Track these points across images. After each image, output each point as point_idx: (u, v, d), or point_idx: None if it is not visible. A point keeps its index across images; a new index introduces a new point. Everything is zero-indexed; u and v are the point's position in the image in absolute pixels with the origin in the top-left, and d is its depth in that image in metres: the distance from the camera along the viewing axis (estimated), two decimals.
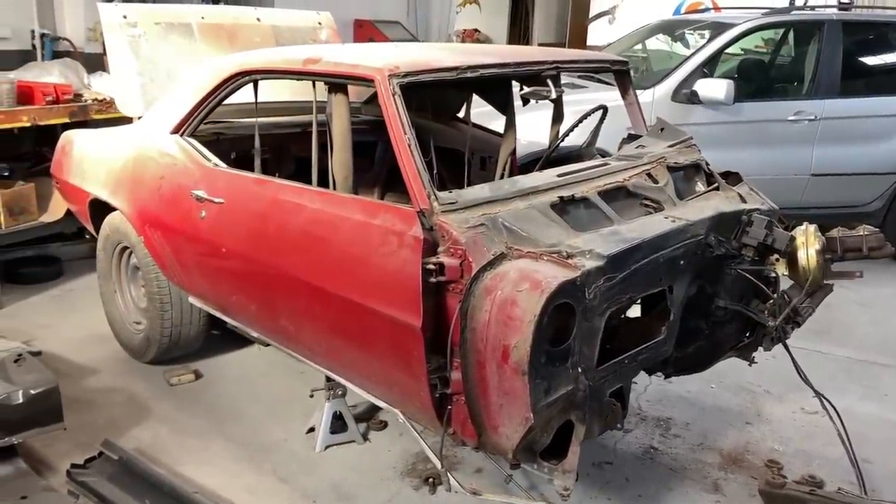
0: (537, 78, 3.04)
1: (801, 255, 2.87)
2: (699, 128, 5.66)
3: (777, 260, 2.96)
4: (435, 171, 3.47)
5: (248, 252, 3.02)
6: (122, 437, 3.38)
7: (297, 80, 3.15)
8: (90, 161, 4.08)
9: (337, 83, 2.91)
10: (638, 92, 5.67)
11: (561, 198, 2.57)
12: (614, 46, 7.24)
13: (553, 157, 3.37)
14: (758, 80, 6.50)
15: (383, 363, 2.61)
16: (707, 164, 3.11)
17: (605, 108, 3.34)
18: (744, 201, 2.95)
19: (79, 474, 3.03)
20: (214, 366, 4.06)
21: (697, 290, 2.84)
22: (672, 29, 7.17)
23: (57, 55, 6.14)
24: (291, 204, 2.84)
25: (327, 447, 3.35)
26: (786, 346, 3.02)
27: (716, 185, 3.00)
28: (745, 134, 5.77)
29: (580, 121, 3.23)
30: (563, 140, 3.31)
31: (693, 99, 5.64)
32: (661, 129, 3.21)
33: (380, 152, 4.66)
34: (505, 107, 3.24)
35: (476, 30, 15.43)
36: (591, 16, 14.80)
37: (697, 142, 5.58)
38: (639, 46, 7.13)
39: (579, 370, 2.29)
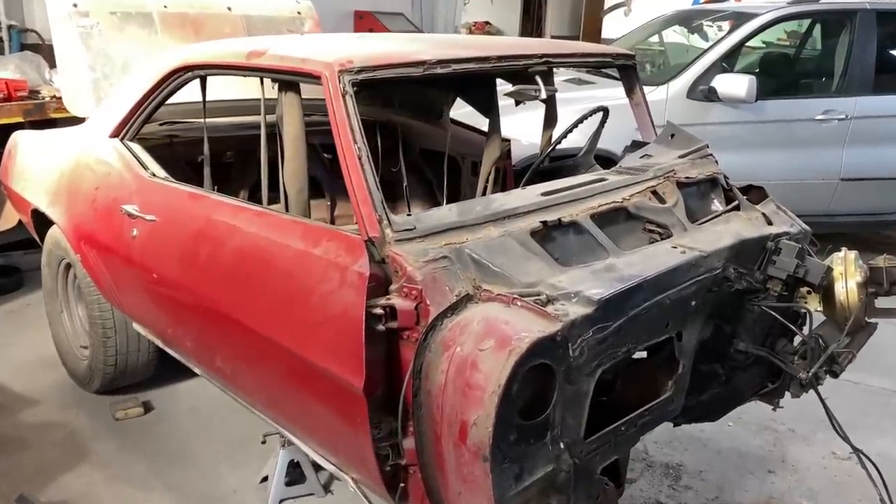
0: (524, 75, 2.56)
1: (840, 289, 2.38)
2: (718, 128, 5.19)
3: (809, 293, 2.47)
4: (405, 184, 2.99)
5: (180, 280, 2.57)
6: (50, 486, 2.96)
7: (244, 76, 2.70)
8: (30, 167, 3.65)
9: (285, 80, 2.44)
10: (650, 89, 5.27)
11: (544, 223, 2.10)
12: (625, 40, 6.73)
13: (546, 166, 2.89)
14: (782, 75, 5.98)
15: (325, 424, 2.15)
16: (726, 178, 2.62)
17: (605, 110, 2.85)
18: (769, 223, 2.46)
19: None
20: (167, 396, 3.62)
21: (713, 331, 2.36)
22: (689, 20, 6.65)
23: (26, 49, 5.72)
24: (225, 225, 2.39)
25: (282, 501, 2.90)
26: (817, 392, 2.53)
27: (736, 203, 2.51)
28: (769, 134, 5.27)
29: (575, 125, 2.75)
30: (554, 148, 2.83)
31: (711, 96, 5.14)
32: (672, 136, 2.72)
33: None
34: (488, 108, 2.78)
35: (487, 22, 14.93)
36: (605, 8, 14.27)
37: (716, 143, 5.09)
38: (653, 39, 6.62)
39: (561, 446, 1.82)
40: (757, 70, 5.88)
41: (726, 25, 5.92)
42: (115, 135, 3.09)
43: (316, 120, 3.83)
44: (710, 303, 2.21)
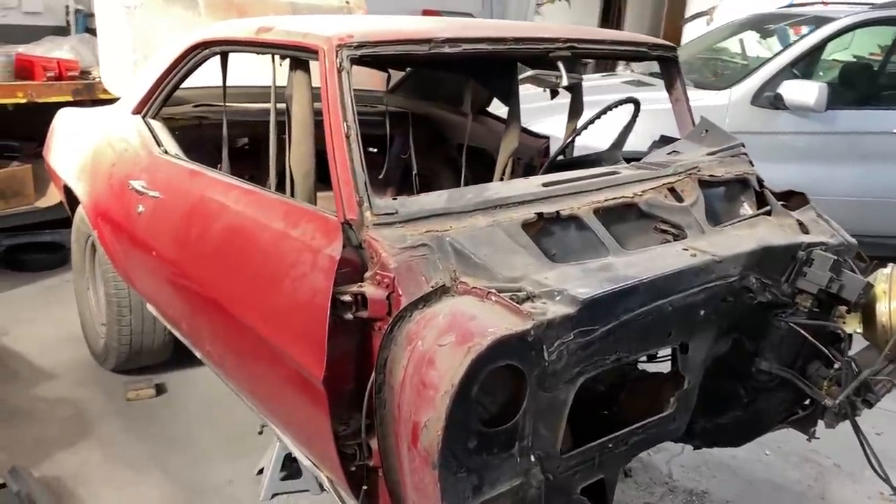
0: (546, 60, 2.38)
1: (881, 309, 2.12)
2: (783, 137, 4.87)
3: (848, 312, 2.21)
4: (414, 172, 2.85)
5: (174, 258, 2.49)
6: (46, 461, 2.93)
7: (256, 53, 2.60)
8: (64, 144, 3.67)
9: (297, 58, 2.33)
10: (711, 93, 5.00)
11: (540, 215, 1.92)
12: (693, 44, 6.44)
13: (568, 159, 2.70)
14: (861, 86, 5.58)
15: (296, 417, 2.03)
16: (759, 180, 2.38)
17: (636, 102, 2.64)
18: (805, 231, 2.22)
19: None
20: (181, 381, 3.57)
21: (732, 346, 2.14)
22: (765, 24, 6.29)
23: (90, 32, 5.83)
24: (216, 203, 2.30)
25: (274, 496, 2.79)
26: (854, 425, 2.27)
27: (767, 208, 2.27)
28: (839, 147, 4.91)
29: (598, 116, 2.54)
30: (574, 138, 2.62)
31: (777, 103, 4.81)
32: (704, 132, 2.49)
33: (395, 149, 4.07)
34: (507, 96, 2.61)
35: None
36: (687, 16, 13.82)
37: (779, 154, 4.84)
38: (724, 45, 6.29)
39: (532, 459, 1.64)
40: (836, 81, 5.51)
41: (805, 30, 5.57)
42: (136, 112, 3.06)
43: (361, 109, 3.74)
44: (726, 314, 1.99)
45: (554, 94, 2.93)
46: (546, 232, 1.94)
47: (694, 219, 2.08)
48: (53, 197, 4.57)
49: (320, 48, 2.08)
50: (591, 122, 2.52)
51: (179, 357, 3.60)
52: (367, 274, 1.79)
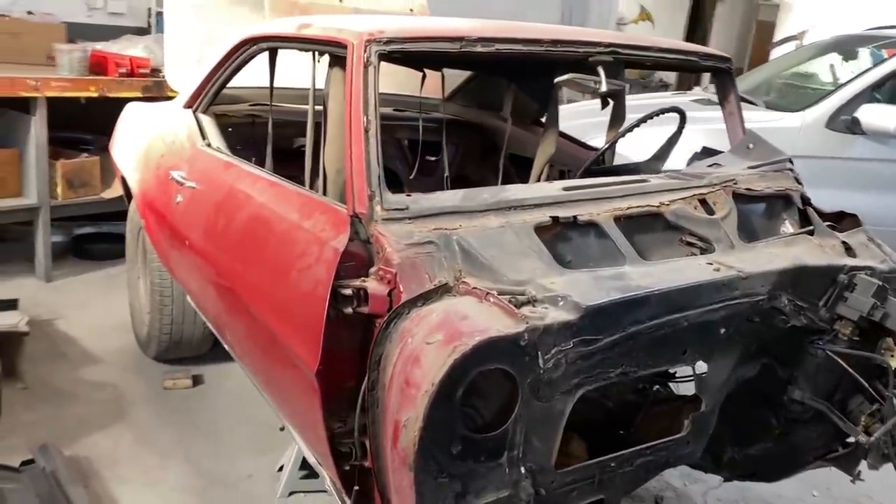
0: (586, 65, 2.31)
1: None
2: (858, 164, 4.62)
3: None
4: (446, 175, 2.80)
5: (203, 248, 2.51)
6: (79, 441, 3.00)
7: (297, 48, 2.62)
8: (124, 136, 3.78)
9: (333, 54, 2.33)
10: (782, 115, 4.79)
11: (555, 219, 1.84)
12: (772, 65, 6.21)
13: (604, 167, 2.60)
14: None
15: (298, 412, 2.00)
16: (804, 197, 2.23)
17: (682, 113, 2.53)
18: (851, 255, 2.06)
19: (4, 478, 2.65)
20: (218, 373, 3.61)
21: (763, 372, 2.00)
22: (849, 46, 6.01)
23: None
24: (243, 194, 2.31)
25: (291, 493, 2.78)
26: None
27: (810, 227, 2.13)
28: None
29: (638, 123, 2.44)
30: (608, 147, 2.53)
31: (854, 128, 4.57)
32: (750, 146, 2.36)
33: (448, 155, 4.04)
34: (545, 101, 2.54)
35: None
36: (775, 40, 13.40)
37: (854, 181, 4.59)
38: (804, 67, 6.04)
39: (522, 470, 1.56)
40: None
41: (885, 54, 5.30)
42: (188, 106, 3.13)
43: (405, 115, 3.74)
44: (754, 336, 1.87)
45: (604, 103, 2.85)
46: (563, 237, 1.86)
47: (724, 233, 1.97)
48: (118, 188, 4.72)
49: (349, 42, 2.07)
50: (630, 129, 2.43)
51: (219, 351, 3.63)
52: (372, 269, 1.75)
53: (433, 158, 4.03)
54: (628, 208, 1.93)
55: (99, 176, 4.66)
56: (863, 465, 2.30)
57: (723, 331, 1.76)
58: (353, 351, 1.75)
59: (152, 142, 3.28)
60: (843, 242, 2.09)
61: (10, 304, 3.78)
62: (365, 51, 2.01)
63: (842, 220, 2.31)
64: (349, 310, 1.71)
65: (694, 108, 5.09)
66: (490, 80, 3.75)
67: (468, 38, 2.12)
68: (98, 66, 4.55)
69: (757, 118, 4.80)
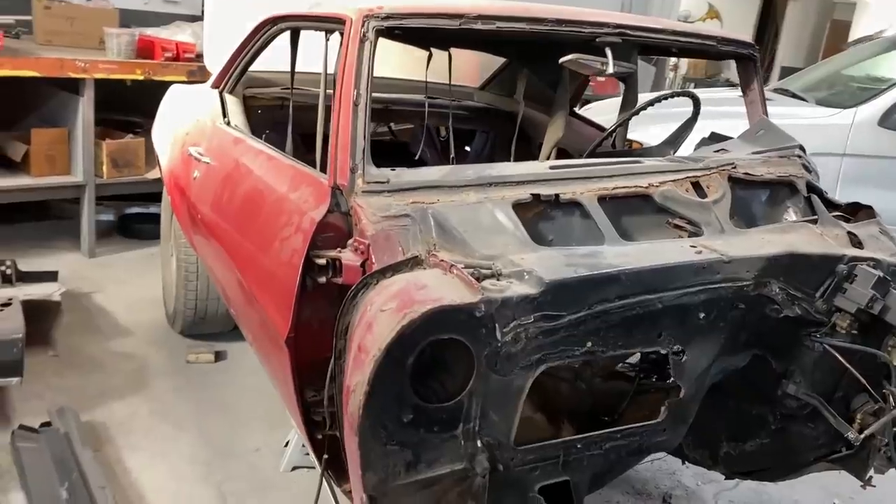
0: (593, 46, 2.27)
1: None
2: None
3: None
4: (452, 156, 2.78)
5: (211, 221, 2.57)
6: (100, 408, 3.11)
7: (311, 27, 2.65)
8: (162, 116, 3.89)
9: (340, 31, 2.35)
10: (833, 111, 4.61)
11: (536, 196, 1.82)
12: (831, 63, 5.99)
13: (612, 151, 2.54)
14: None
15: (279, 382, 2.03)
16: (811, 185, 2.14)
17: (695, 98, 2.45)
18: (858, 246, 1.97)
19: (23, 437, 2.76)
20: (240, 350, 3.67)
21: (757, 364, 1.93)
22: None
23: None
24: (245, 168, 2.35)
25: (294, 468, 2.82)
26: None
27: (814, 217, 2.04)
28: None
29: (649, 104, 2.38)
30: (618, 127, 2.46)
31: None
32: (760, 132, 2.27)
33: (477, 145, 4.03)
34: (555, 83, 2.49)
35: None
36: (851, 39, 12.90)
37: None
38: (864, 64, 5.80)
39: (478, 444, 1.55)
40: None
41: None
42: (215, 86, 3.20)
43: (437, 102, 3.74)
44: (742, 325, 1.80)
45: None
46: (545, 216, 1.84)
47: (714, 216, 1.90)
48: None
49: (348, 18, 2.08)
50: (636, 112, 2.37)
51: None
52: (350, 241, 1.76)
53: (467, 148, 4.03)
54: (614, 188, 1.88)
55: (143, 156, 4.80)
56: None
57: (702, 315, 1.70)
58: (329, 322, 1.76)
59: (181, 121, 3.37)
60: (850, 233, 1.99)
61: (51, 276, 3.94)
62: (362, 25, 2.02)
63: (857, 213, 2.21)
64: (323, 279, 1.72)
65: (737, 102, 4.95)
66: (518, 70, 3.72)
67: (468, 16, 2.10)
68: (145, 50, 4.69)
69: (806, 114, 4.64)
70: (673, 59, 11.72)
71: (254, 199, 2.19)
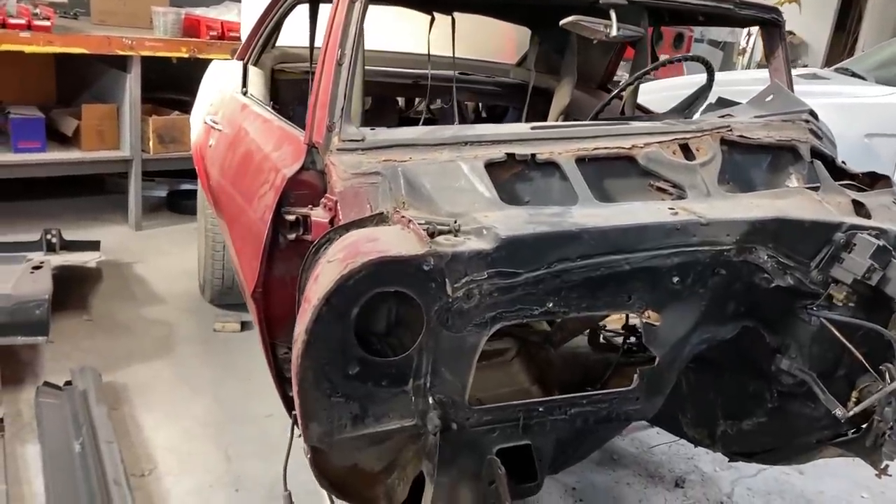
0: (598, 9, 2.19)
1: None
2: None
3: None
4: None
5: (219, 186, 2.61)
6: (122, 369, 3.21)
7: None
8: (199, 92, 3.97)
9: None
10: (893, 89, 4.36)
11: (511, 156, 1.77)
12: None
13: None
14: None
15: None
16: (818, 151, 2.01)
17: (707, 64, 2.33)
18: (865, 216, 1.85)
19: (46, 393, 2.88)
20: None
21: (749, 337, 1.84)
22: None
23: None
24: (244, 132, 2.38)
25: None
26: None
27: (816, 185, 1.92)
28: None
29: (649, 71, 2.28)
30: (624, 89, 2.36)
31: None
32: (769, 97, 2.15)
33: (512, 120, 3.97)
34: (561, 49, 2.41)
35: (790, 32, 13.56)
36: None
37: None
38: None
39: (431, 401, 1.52)
40: None
41: None
42: (239, 58, 3.25)
43: (472, 79, 3.71)
44: (727, 293, 1.72)
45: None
46: (523, 177, 1.79)
47: (700, 179, 1.81)
48: None
49: None
50: (640, 77, 2.28)
51: None
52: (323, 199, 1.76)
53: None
54: (594, 149, 1.81)
55: (188, 133, 4.90)
56: None
57: (676, 280, 1.63)
58: (295, 275, 1.76)
59: (209, 94, 3.43)
60: (856, 201, 1.87)
61: (93, 245, 4.09)
62: None
63: (876, 183, 2.08)
64: (293, 236, 1.72)
65: (797, 82, 4.75)
66: (556, 44, 3.65)
67: None
68: (191, 28, 4.80)
69: (861, 93, 4.42)
70: (742, 43, 11.32)
71: (245, 161, 2.21)
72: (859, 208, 1.87)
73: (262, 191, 1.88)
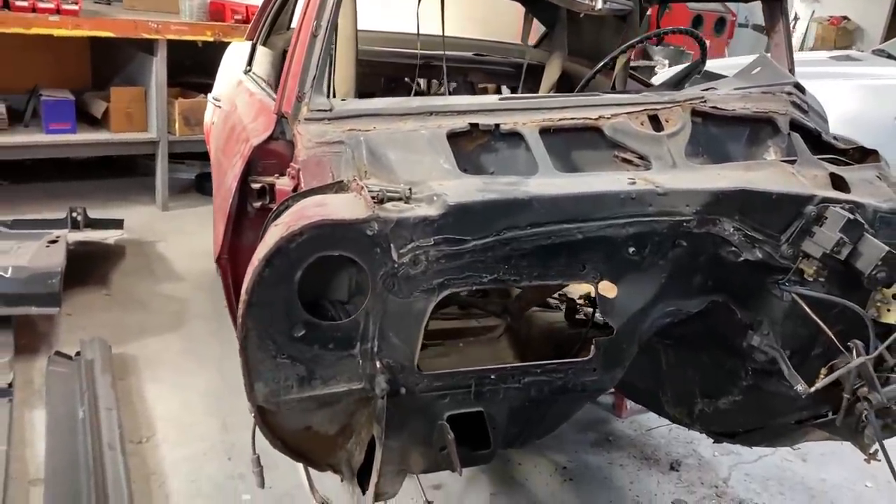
0: None
1: None
2: None
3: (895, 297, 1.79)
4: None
5: (215, 161, 2.66)
6: (134, 342, 3.31)
7: None
8: (217, 73, 4.05)
9: None
10: None
11: (474, 125, 1.77)
12: None
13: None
14: None
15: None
16: (798, 123, 1.96)
17: (700, 39, 2.29)
18: (842, 189, 1.79)
19: (56, 363, 2.98)
20: None
21: (718, 312, 1.80)
22: None
23: None
24: (235, 106, 2.42)
25: None
26: (882, 447, 1.84)
27: (795, 157, 1.87)
28: None
29: (633, 44, 2.25)
30: (608, 62, 2.33)
31: None
32: (756, 70, 2.10)
33: None
34: (552, 23, 2.38)
35: (845, 17, 13.15)
36: None
37: None
38: None
39: (378, 365, 1.54)
40: None
41: None
42: (248, 38, 3.30)
43: (488, 59, 3.71)
44: (688, 265, 1.69)
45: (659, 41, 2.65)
46: (487, 148, 1.79)
47: (666, 150, 1.78)
48: None
49: None
50: (623, 51, 2.25)
51: None
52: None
53: None
54: (560, 120, 1.80)
55: None
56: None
57: (632, 250, 1.61)
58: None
59: (220, 75, 3.49)
60: (834, 175, 1.82)
61: (117, 224, 4.21)
62: None
63: (865, 158, 2.02)
64: (258, 204, 1.75)
65: (832, 63, 4.64)
66: (574, 26, 3.63)
67: None
68: (217, 13, 4.88)
69: (893, 74, 4.28)
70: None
71: (230, 135, 2.25)
72: (837, 181, 1.81)
73: (234, 160, 1.92)
